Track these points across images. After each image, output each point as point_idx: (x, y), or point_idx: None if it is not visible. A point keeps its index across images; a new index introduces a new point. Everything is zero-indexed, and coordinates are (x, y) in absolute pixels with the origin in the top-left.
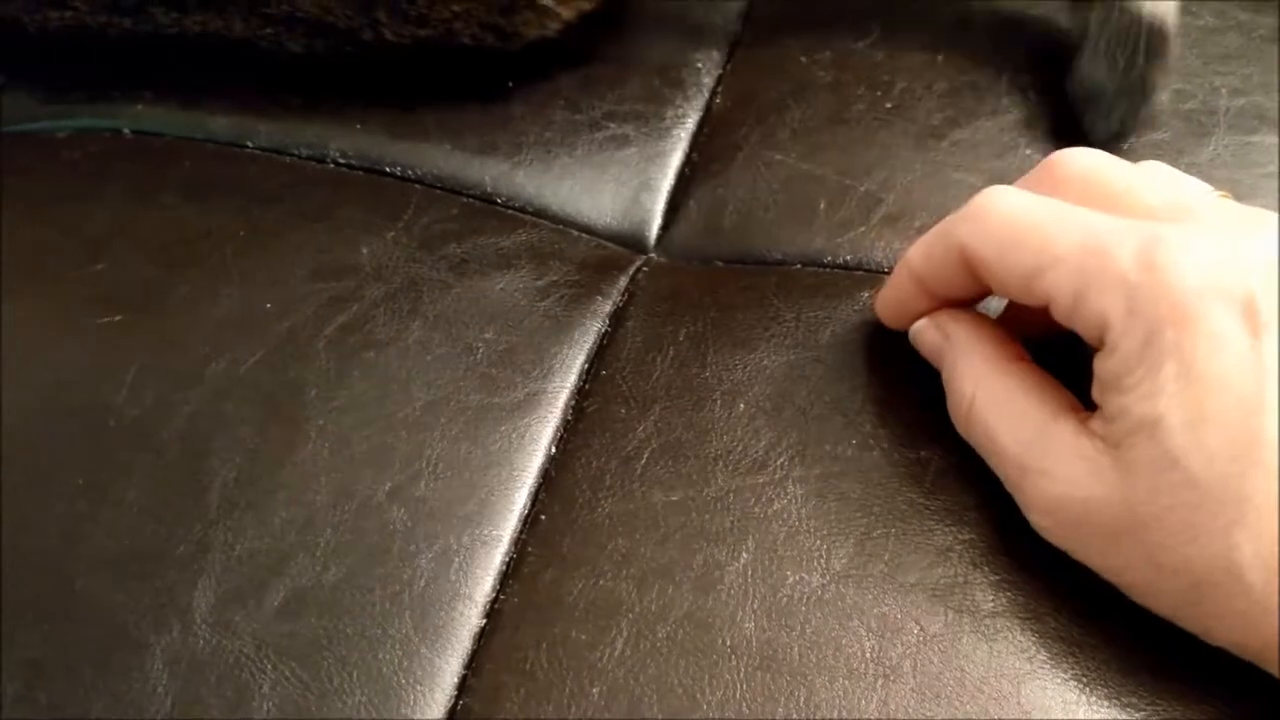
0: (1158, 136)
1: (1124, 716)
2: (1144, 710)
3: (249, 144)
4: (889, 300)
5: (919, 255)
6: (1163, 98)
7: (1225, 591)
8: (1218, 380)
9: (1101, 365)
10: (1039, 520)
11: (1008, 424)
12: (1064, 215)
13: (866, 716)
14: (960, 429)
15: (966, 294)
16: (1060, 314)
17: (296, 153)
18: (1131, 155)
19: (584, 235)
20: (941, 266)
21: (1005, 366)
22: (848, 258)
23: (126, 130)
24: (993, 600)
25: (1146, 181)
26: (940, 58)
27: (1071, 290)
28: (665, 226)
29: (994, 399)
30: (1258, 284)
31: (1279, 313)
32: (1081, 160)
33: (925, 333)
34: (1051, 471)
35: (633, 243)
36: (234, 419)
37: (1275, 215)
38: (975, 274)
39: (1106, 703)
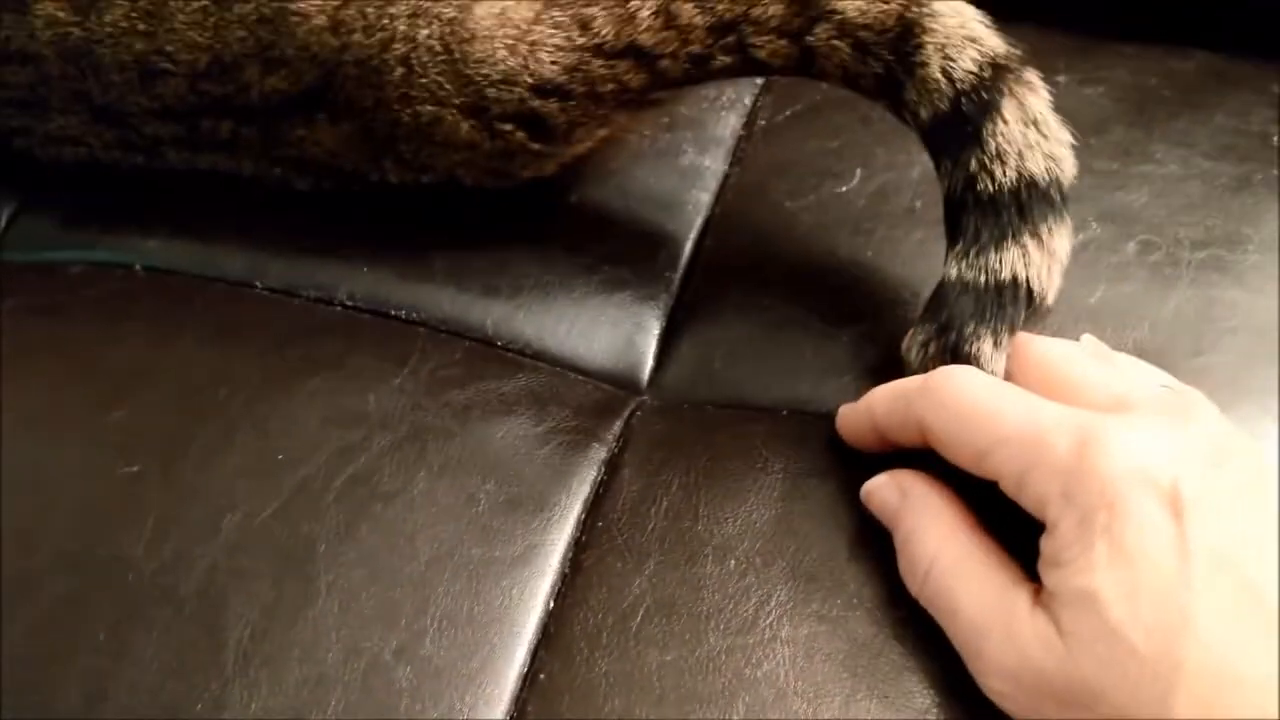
0: (1126, 289)
1: None
2: None
3: (259, 284)
4: (849, 426)
5: (882, 406)
6: (1130, 247)
7: None
8: (1146, 559)
9: (1045, 543)
10: (997, 685)
11: (969, 588)
12: (1012, 400)
13: None
14: (914, 588)
15: (916, 446)
16: (1008, 490)
17: (306, 294)
18: (1103, 309)
19: (580, 377)
20: (899, 425)
21: (966, 533)
22: (831, 406)
23: (139, 266)
24: None
25: (1096, 376)
26: (919, 204)
27: (1015, 471)
28: (658, 367)
29: (955, 562)
30: (1181, 473)
31: (1202, 498)
32: (1043, 349)
33: (882, 490)
34: (1009, 639)
35: (627, 383)
36: (249, 573)
37: (1206, 404)
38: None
39: None
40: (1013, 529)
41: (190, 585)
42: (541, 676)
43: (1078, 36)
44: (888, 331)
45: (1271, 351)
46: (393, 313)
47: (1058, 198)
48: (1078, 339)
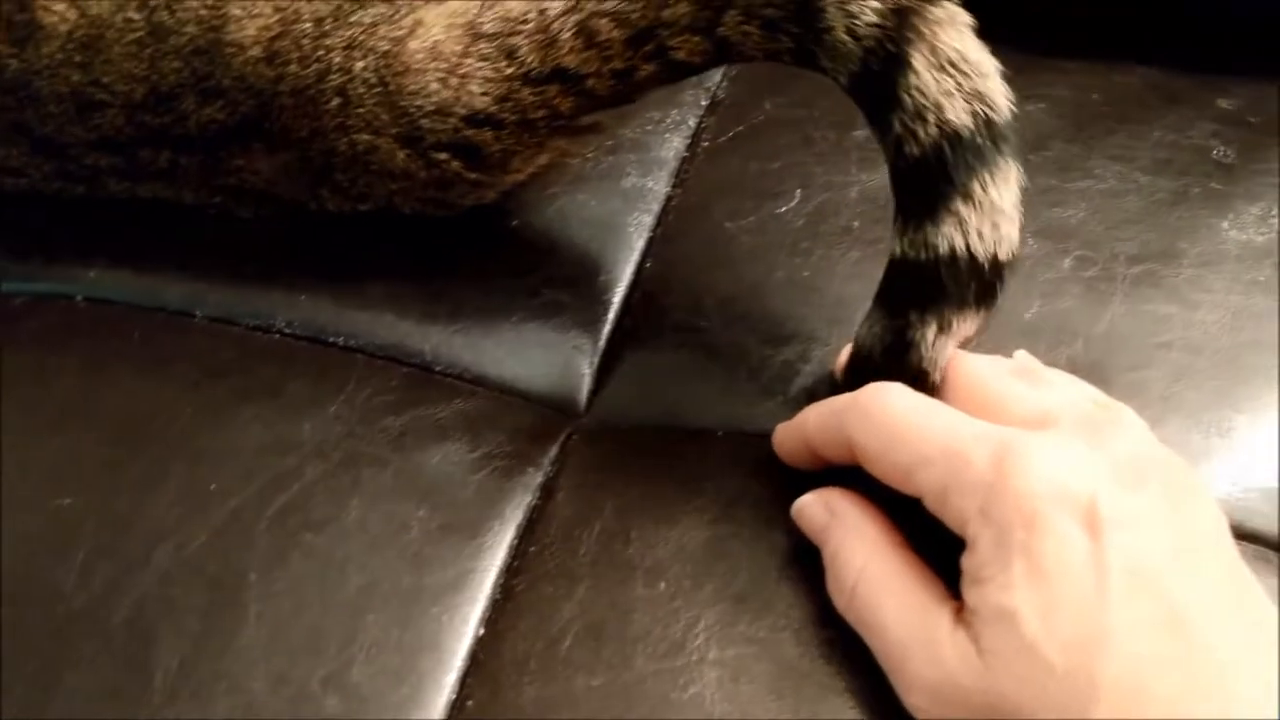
0: (1062, 304)
1: None
2: None
3: (197, 313)
4: (784, 444)
5: (815, 424)
6: (1066, 263)
7: None
8: (1063, 576)
9: (965, 560)
10: (917, 701)
11: (893, 604)
12: (937, 418)
13: None
14: (840, 604)
15: (848, 463)
16: (932, 508)
17: (245, 323)
18: (1039, 324)
19: (518, 401)
20: (831, 442)
21: (892, 550)
22: (766, 426)
23: (80, 298)
24: None
25: (1020, 392)
26: (856, 224)
27: (937, 489)
28: (596, 390)
29: (881, 578)
30: (1099, 490)
31: (1119, 515)
32: (969, 367)
33: (811, 508)
34: (931, 656)
35: (565, 406)
36: (179, 604)
37: (1132, 420)
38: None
39: None
40: (940, 547)
41: (120, 616)
42: (470, 703)
43: (1021, 54)
44: (824, 351)
45: (1204, 366)
46: (331, 340)
47: (987, 143)
48: (1012, 355)
